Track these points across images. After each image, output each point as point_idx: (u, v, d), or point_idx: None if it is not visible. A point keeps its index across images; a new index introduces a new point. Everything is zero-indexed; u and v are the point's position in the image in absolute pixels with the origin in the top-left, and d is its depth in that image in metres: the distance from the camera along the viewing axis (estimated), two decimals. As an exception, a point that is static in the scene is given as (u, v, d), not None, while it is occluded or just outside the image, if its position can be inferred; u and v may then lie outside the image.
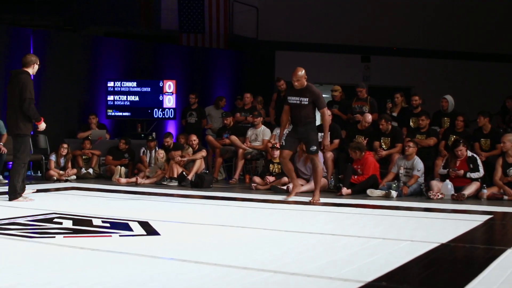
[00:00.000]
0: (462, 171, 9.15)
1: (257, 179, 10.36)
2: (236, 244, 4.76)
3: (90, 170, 11.97)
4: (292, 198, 8.46)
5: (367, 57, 17.90)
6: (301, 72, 8.11)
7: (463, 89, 17.00)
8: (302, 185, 9.53)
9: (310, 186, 9.60)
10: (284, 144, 8.42)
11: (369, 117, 10.75)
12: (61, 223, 5.68)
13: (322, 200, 8.40)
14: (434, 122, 10.96)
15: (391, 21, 17.94)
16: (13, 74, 7.89)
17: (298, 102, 8.18)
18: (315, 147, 8.23)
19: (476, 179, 9.12)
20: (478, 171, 9.16)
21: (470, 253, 4.46)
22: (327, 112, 8.30)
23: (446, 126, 10.86)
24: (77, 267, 3.78)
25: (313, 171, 8.58)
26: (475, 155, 9.36)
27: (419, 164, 9.44)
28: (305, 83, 8.18)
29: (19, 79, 7.73)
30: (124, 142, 12.14)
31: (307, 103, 8.13)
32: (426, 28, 18.08)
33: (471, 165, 9.19)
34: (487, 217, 6.65)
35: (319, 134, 8.74)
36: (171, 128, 14.94)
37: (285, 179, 9.84)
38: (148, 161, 11.91)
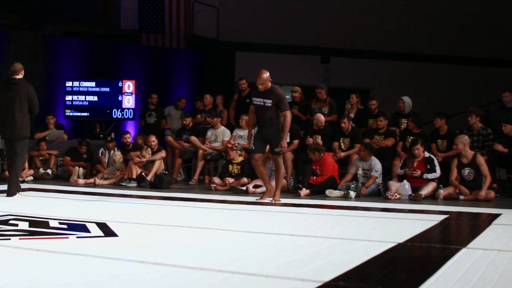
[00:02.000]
0: (419, 172, 9.28)
1: (216, 180, 10.35)
2: (195, 245, 4.75)
3: (49, 171, 11.83)
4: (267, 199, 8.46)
5: (326, 59, 18.02)
6: (266, 74, 8.12)
7: (422, 90, 17.26)
8: (260, 185, 9.59)
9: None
10: (253, 148, 8.41)
11: (321, 116, 10.80)
12: (17, 225, 5.59)
13: (281, 200, 8.44)
14: (392, 123, 11.09)
15: (351, 23, 18.10)
16: (17, 82, 8.54)
17: (261, 103, 8.20)
18: (279, 149, 8.26)
19: (432, 180, 9.26)
20: (435, 171, 9.31)
21: (426, 252, 4.52)
22: (289, 115, 8.27)
23: (403, 127, 10.99)
24: (33, 269, 3.72)
25: (275, 171, 8.60)
26: (432, 156, 9.50)
27: (377, 164, 9.55)
28: (270, 85, 8.20)
29: (25, 87, 8.56)
30: (85, 148, 12.03)
31: (270, 105, 8.15)
32: (386, 30, 18.26)
33: (428, 166, 9.33)
34: (443, 216, 6.75)
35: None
36: (130, 128, 14.83)
37: (244, 179, 9.88)
38: (106, 162, 11.82)
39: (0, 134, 8.73)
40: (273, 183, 9.75)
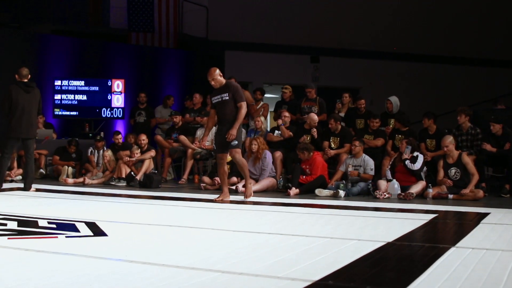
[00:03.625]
0: (406, 153, 9.37)
1: (206, 179, 10.35)
2: (184, 245, 4.75)
3: (41, 170, 11.78)
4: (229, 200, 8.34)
5: (316, 58, 18.04)
6: (216, 71, 8.22)
7: (411, 90, 17.32)
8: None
9: (259, 186, 9.64)
10: (216, 148, 8.41)
11: (315, 116, 10.84)
12: (5, 224, 5.57)
13: (271, 200, 8.46)
14: (382, 123, 11.12)
15: (340, 22, 18.13)
16: (32, 85, 9.32)
17: (220, 99, 8.23)
18: (236, 142, 8.20)
19: (419, 176, 9.31)
20: (414, 163, 9.35)
21: (415, 252, 4.53)
22: (244, 107, 8.21)
23: (392, 126, 11.03)
24: (22, 269, 3.71)
25: (239, 168, 8.57)
26: (419, 155, 9.52)
27: (370, 162, 9.61)
28: (223, 80, 8.29)
29: (38, 91, 9.44)
30: (74, 148, 11.97)
31: (228, 98, 8.17)
32: (376, 30, 18.30)
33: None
34: (432, 216, 6.77)
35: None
36: (120, 127, 14.80)
37: (234, 179, 9.87)
38: (96, 161, 11.79)
39: (14, 133, 9.20)
40: (263, 182, 9.81)
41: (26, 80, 9.26)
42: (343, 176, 9.75)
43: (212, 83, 8.23)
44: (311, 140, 10.58)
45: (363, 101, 11.50)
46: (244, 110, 8.22)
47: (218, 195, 8.37)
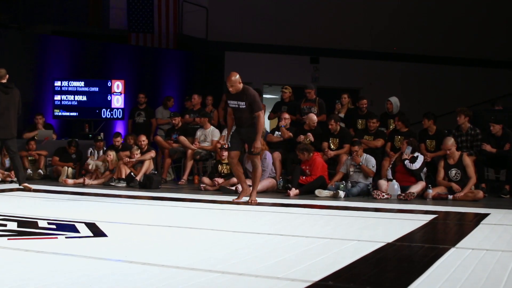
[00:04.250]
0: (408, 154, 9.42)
1: (206, 179, 10.34)
2: (184, 245, 4.75)
3: (41, 171, 11.78)
4: (243, 199, 8.41)
5: (316, 59, 18.03)
6: (235, 77, 8.03)
7: (411, 90, 17.31)
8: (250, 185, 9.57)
9: (259, 186, 9.58)
10: (230, 146, 8.38)
11: (314, 117, 10.83)
12: (5, 225, 5.57)
13: (270, 200, 8.46)
14: (381, 123, 11.12)
15: (340, 23, 18.12)
16: (11, 86, 9.37)
17: (236, 106, 8.16)
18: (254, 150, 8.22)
19: (419, 176, 9.32)
20: (415, 163, 9.38)
21: (415, 252, 4.54)
22: (262, 116, 8.16)
23: (391, 127, 11.03)
24: (22, 269, 3.71)
25: (252, 171, 8.53)
26: (419, 155, 9.53)
27: (371, 160, 9.62)
28: (241, 86, 8.11)
29: (17, 91, 9.47)
30: (74, 148, 11.96)
31: (244, 107, 8.08)
32: (375, 30, 18.30)
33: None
34: (432, 216, 6.78)
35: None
36: (120, 128, 14.78)
37: (234, 179, 9.84)
38: (96, 162, 11.78)
39: None
40: (263, 183, 9.80)
41: (4, 81, 9.29)
42: (343, 177, 9.76)
43: (230, 89, 8.08)
44: (313, 137, 10.58)
45: (365, 101, 11.46)
46: (262, 120, 8.15)
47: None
